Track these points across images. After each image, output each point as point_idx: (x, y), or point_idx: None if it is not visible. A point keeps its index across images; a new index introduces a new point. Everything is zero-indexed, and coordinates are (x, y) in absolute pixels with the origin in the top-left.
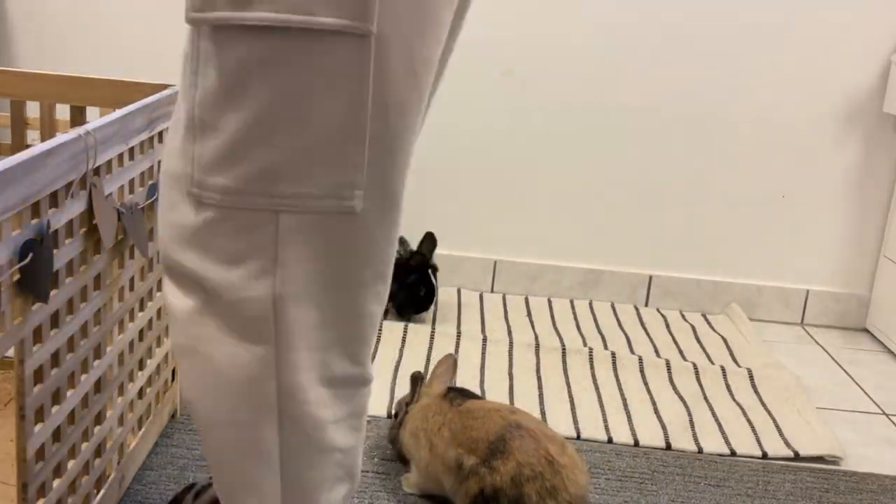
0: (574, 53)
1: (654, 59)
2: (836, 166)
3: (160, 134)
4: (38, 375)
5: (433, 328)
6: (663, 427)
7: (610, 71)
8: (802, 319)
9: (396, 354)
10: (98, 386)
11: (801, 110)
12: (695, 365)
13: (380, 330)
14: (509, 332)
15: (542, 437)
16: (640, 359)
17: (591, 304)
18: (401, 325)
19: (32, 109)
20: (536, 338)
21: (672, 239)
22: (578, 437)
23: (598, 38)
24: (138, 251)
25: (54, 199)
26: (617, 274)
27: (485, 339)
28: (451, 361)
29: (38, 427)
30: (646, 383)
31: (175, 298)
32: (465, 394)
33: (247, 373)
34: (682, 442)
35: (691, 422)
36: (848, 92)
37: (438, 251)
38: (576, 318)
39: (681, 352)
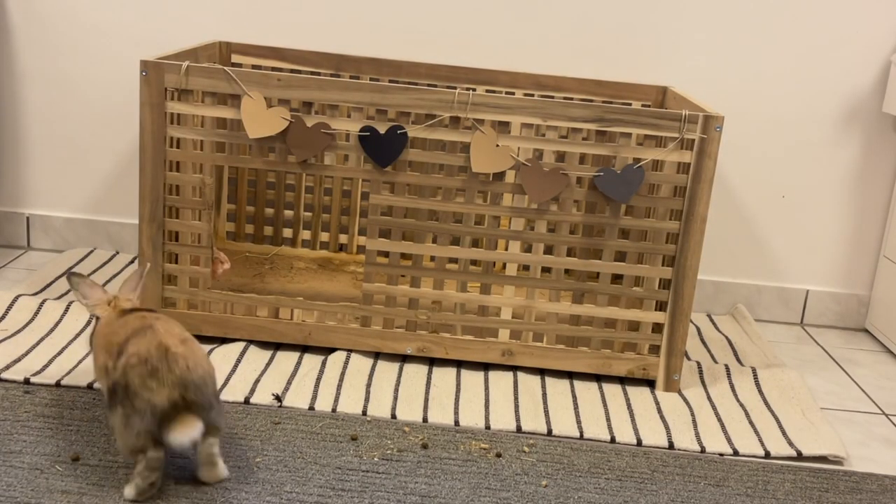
0: (573, 53)
1: (652, 58)
2: (836, 166)
3: None
4: None
5: None
6: (666, 427)
7: (611, 69)
8: (802, 319)
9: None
10: None
11: (800, 110)
12: (699, 364)
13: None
14: None
15: (164, 334)
16: None
17: None
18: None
19: None
20: None
21: None
22: (581, 437)
23: (599, 38)
24: None
25: None
26: None
27: None
28: (136, 275)
29: None
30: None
31: None
32: (139, 310)
33: None
34: (685, 441)
35: (694, 421)
36: (848, 92)
37: None
38: None
39: (685, 351)
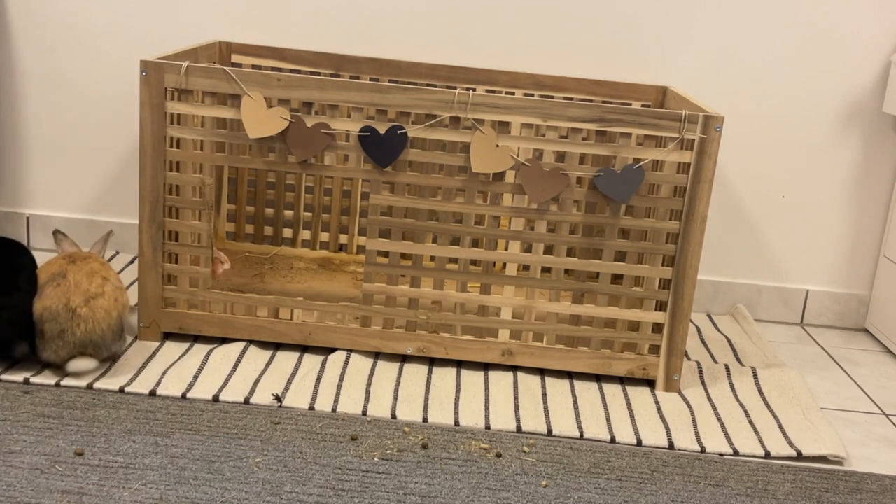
0: (573, 53)
1: (652, 58)
2: (836, 166)
3: None
4: None
5: None
6: (666, 427)
7: (611, 69)
8: (802, 319)
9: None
10: None
11: (800, 110)
12: (699, 364)
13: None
14: None
15: (73, 289)
16: None
17: None
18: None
19: None
20: None
21: None
22: (581, 437)
23: (599, 38)
24: None
25: None
26: None
27: None
28: (101, 241)
29: None
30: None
31: None
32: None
33: None
34: (685, 441)
35: (694, 421)
36: (848, 92)
37: None
38: None
39: (685, 352)
